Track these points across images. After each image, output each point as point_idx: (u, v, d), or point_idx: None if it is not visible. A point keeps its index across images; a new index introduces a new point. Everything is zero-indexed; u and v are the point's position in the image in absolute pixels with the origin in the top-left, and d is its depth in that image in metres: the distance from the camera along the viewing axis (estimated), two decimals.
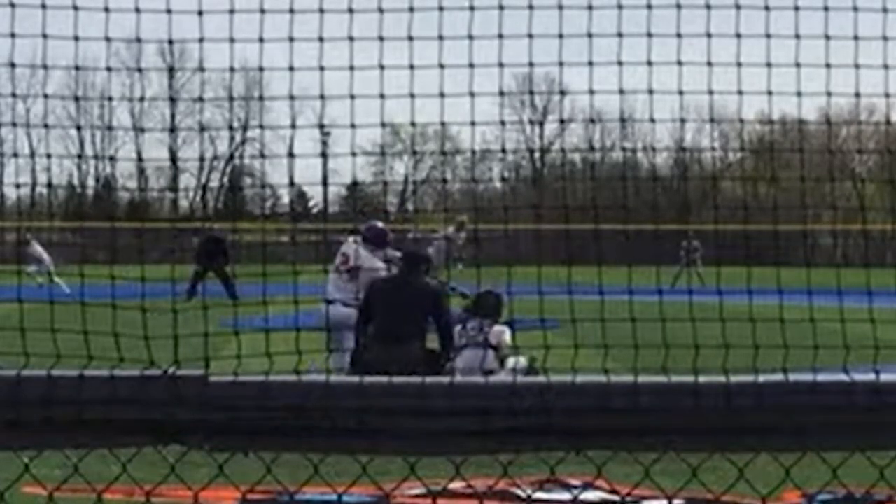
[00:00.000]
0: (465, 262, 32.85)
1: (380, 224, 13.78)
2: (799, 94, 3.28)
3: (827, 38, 3.24)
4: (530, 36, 3.17)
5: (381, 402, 2.97)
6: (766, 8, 3.16)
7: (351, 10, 3.07)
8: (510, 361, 12.33)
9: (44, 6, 3.04)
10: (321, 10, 3.07)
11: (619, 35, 3.16)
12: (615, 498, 8.12)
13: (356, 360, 11.27)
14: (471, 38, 3.14)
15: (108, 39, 3.17)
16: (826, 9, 3.19)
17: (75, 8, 3.06)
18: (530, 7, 3.14)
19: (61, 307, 3.47)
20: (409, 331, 11.30)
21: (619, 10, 3.13)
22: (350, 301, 12.59)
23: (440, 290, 11.96)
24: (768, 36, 3.20)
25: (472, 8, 3.11)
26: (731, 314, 3.44)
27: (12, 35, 3.10)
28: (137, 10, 3.08)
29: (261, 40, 3.10)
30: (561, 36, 3.18)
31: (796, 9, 3.18)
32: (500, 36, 3.15)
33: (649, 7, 3.15)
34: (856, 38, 3.23)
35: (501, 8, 3.13)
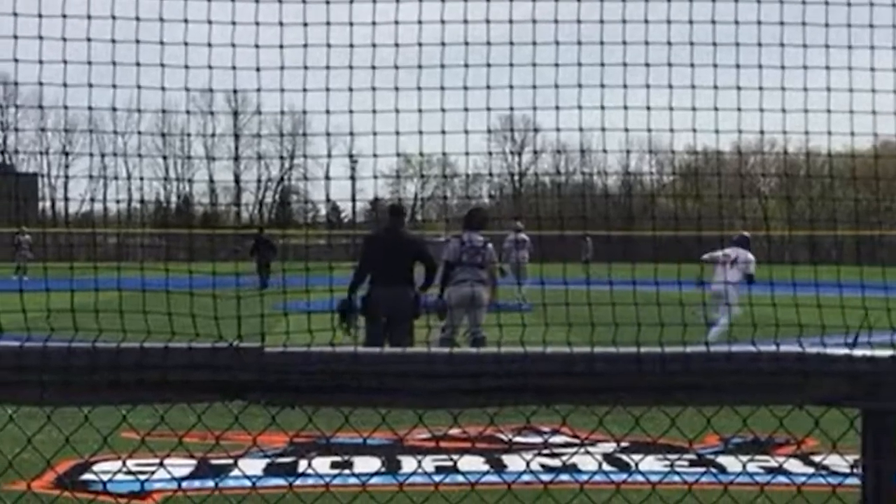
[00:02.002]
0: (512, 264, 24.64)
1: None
2: (717, 131, 3.28)
3: (738, 88, 3.23)
4: (511, 87, 3.16)
5: (397, 367, 2.96)
6: (692, 65, 3.16)
7: (374, 67, 3.07)
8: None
9: (138, 64, 3.04)
10: (350, 67, 3.07)
11: (580, 86, 3.15)
12: (576, 441, 8.11)
13: (365, 300, 10.99)
14: (465, 88, 3.13)
15: (187, 90, 3.16)
16: (738, 66, 3.19)
17: (162, 65, 3.06)
18: (511, 65, 3.14)
19: (151, 294, 3.46)
20: (399, 276, 11.07)
21: (578, 67, 3.13)
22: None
23: (420, 238, 11.67)
24: (693, 87, 3.19)
25: (466, 65, 3.11)
26: (665, 300, 3.44)
27: (113, 86, 3.10)
28: (210, 67, 3.07)
29: (304, 90, 3.09)
30: (534, 87, 3.17)
31: (714, 66, 3.17)
32: (488, 87, 3.15)
33: (602, 65, 3.15)
34: (760, 88, 3.23)
35: (489, 65, 3.12)
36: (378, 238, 11.46)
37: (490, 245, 12.58)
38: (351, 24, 3.06)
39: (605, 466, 7.52)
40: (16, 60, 3.03)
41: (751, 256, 13.70)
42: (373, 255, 11.15)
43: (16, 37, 2.99)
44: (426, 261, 11.33)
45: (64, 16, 3.00)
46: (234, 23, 3.01)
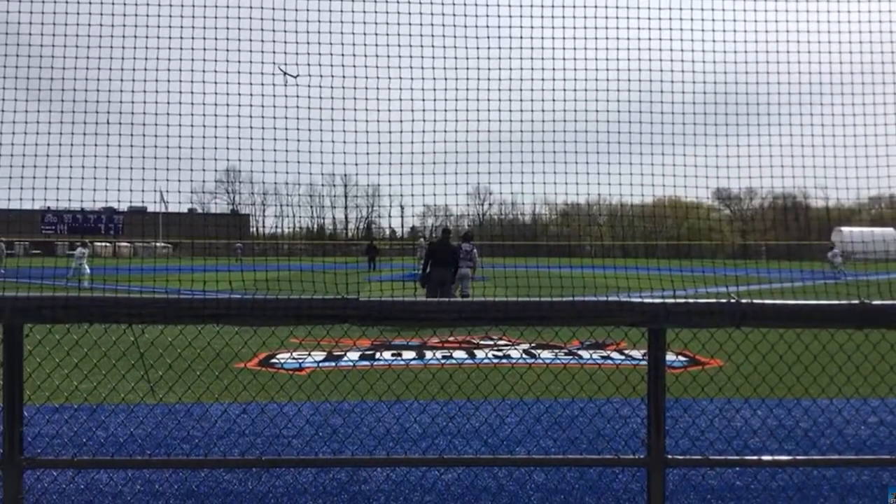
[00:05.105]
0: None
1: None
2: (577, 193, 3.29)
3: (588, 173, 3.25)
4: (478, 173, 3.18)
5: (424, 308, 2.96)
6: (565, 163, 3.18)
7: (412, 163, 3.09)
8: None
9: (298, 161, 3.06)
10: (401, 163, 3.09)
11: (511, 172, 3.17)
12: (509, 343, 8.12)
13: (426, 277, 11.01)
14: (456, 173, 3.16)
15: (322, 174, 3.18)
16: (587, 162, 3.20)
17: (310, 162, 3.08)
18: (478, 162, 3.16)
19: (305, 273, 3.46)
20: (445, 263, 11.08)
21: (511, 163, 3.15)
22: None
23: (456, 247, 11.62)
24: (566, 173, 3.20)
25: (456, 162, 3.13)
26: (553, 275, 3.44)
27: (286, 172, 3.12)
28: (333, 163, 3.09)
29: (378, 174, 3.12)
30: (489, 172, 3.19)
31: (576, 162, 3.19)
32: (467, 173, 3.17)
33: (521, 162, 3.16)
34: (598, 173, 3.24)
35: (468, 163, 3.15)
36: (435, 244, 11.63)
37: (475, 249, 12.88)
38: (401, 143, 3.09)
39: (523, 356, 7.53)
40: (240, 160, 3.07)
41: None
42: (433, 253, 11.31)
43: (239, 148, 3.03)
44: (454, 259, 11.39)
45: (262, 137, 3.02)
46: (344, 142, 3.05)
